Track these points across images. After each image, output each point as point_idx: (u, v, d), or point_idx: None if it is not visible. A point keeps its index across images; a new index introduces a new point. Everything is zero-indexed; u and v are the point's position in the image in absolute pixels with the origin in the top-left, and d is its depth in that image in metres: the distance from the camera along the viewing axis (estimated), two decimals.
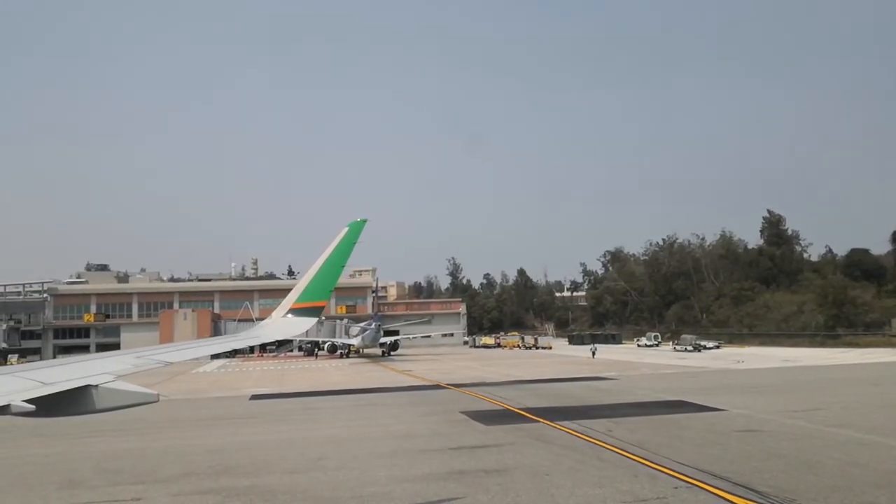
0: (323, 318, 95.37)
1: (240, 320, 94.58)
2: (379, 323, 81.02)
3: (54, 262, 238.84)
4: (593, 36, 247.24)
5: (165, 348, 8.47)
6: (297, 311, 9.96)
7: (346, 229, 10.40)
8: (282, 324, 9.86)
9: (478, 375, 46.88)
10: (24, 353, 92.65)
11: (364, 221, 10.50)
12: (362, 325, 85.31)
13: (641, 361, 58.31)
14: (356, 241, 10.39)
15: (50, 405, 5.29)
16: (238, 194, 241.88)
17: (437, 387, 38.62)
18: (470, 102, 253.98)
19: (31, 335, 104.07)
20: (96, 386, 5.57)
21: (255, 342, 10.03)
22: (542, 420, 23.63)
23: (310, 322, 9.96)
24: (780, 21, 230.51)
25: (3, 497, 15.23)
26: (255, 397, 36.44)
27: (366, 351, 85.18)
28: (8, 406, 4.76)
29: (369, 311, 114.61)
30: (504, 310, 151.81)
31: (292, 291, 10.14)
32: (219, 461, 18.41)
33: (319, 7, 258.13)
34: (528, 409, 26.63)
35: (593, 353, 65.46)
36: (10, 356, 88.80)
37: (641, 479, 14.78)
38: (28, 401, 4.93)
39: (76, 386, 5.53)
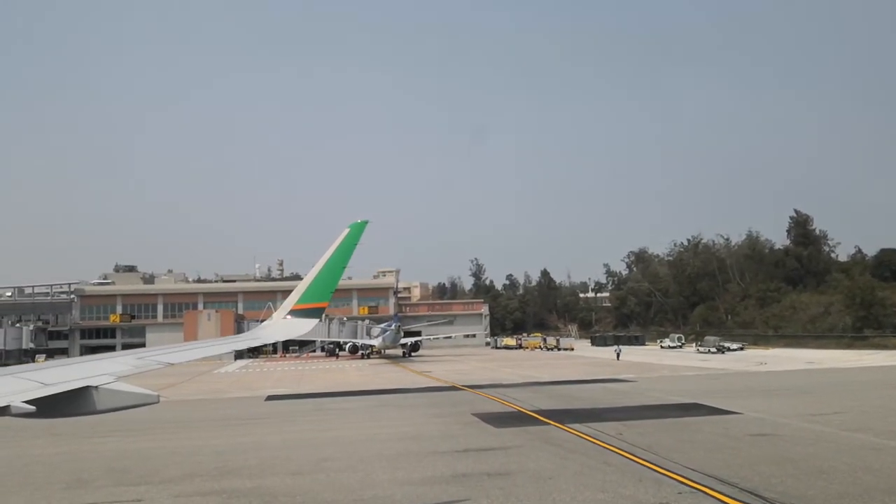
0: (344, 318, 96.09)
1: (262, 320, 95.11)
2: (398, 324, 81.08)
3: (84, 263, 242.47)
4: (613, 33, 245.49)
5: (166, 349, 8.46)
6: (298, 313, 9.93)
7: (348, 230, 10.33)
8: (283, 325, 9.84)
9: (495, 377, 46.70)
10: (52, 353, 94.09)
11: (365, 223, 10.43)
12: (382, 325, 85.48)
13: (662, 363, 57.67)
14: (357, 242, 10.32)
15: (50, 406, 5.27)
16: (267, 196, 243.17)
17: (453, 388, 38.51)
18: (487, 101, 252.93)
19: (59, 335, 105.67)
20: (96, 387, 5.56)
21: (256, 343, 10.02)
22: (552, 422, 23.41)
23: (311, 323, 9.90)
24: (803, 17, 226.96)
25: (11, 496, 15.39)
26: (270, 398, 36.61)
27: (387, 352, 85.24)
28: (8, 407, 4.74)
29: (391, 311, 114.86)
30: (527, 311, 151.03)
31: (293, 293, 10.11)
32: (225, 462, 18.47)
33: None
34: (539, 412, 26.42)
35: (618, 355, 64.28)
36: (37, 356, 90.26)
37: (646, 483, 14.54)
38: (28, 402, 4.92)
39: (76, 387, 5.52)
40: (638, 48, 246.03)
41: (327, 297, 10.16)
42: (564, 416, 24.67)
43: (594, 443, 19.51)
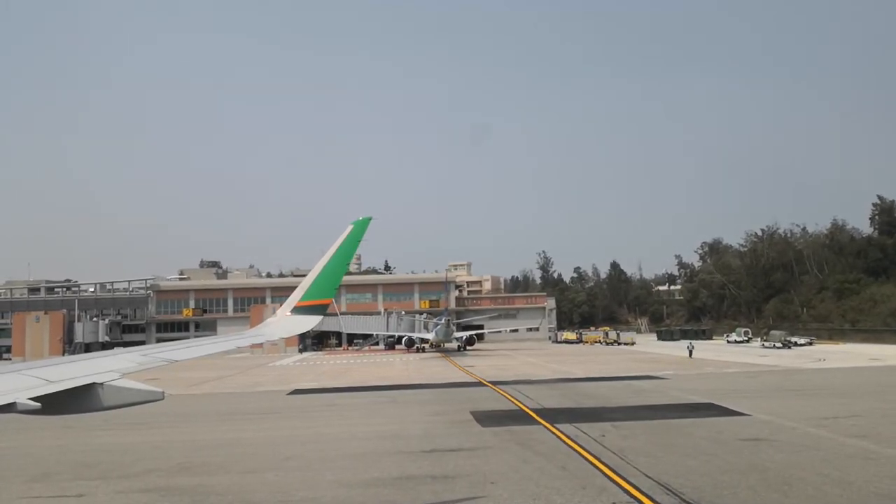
0: (403, 312, 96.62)
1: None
2: (448, 318, 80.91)
3: (176, 259, 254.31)
4: (694, 17, 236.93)
5: (172, 346, 8.42)
6: (302, 310, 9.78)
7: (351, 227, 10.14)
8: (286, 322, 9.73)
9: (530, 372, 45.91)
10: (128, 346, 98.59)
11: (369, 219, 10.20)
12: (436, 320, 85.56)
13: (715, 359, 55.08)
14: (360, 238, 10.13)
15: (55, 403, 5.30)
16: (342, 189, 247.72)
17: (479, 384, 37.95)
18: (544, 86, 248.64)
19: (136, 329, 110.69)
20: (102, 384, 5.56)
21: (260, 340, 9.82)
22: (543, 422, 22.69)
23: (314, 320, 9.71)
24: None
25: None
26: (295, 392, 37.08)
27: (446, 345, 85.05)
28: (13, 404, 4.76)
29: (452, 305, 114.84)
30: (595, 304, 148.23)
31: (297, 289, 9.98)
32: (192, 458, 18.69)
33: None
34: (540, 410, 25.69)
35: (690, 352, 58.03)
36: (115, 348, 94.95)
37: (587, 491, 13.80)
38: (34, 398, 4.94)
39: (81, 384, 5.54)
40: (700, 30, 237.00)
41: (331, 294, 10.00)
42: (560, 416, 23.88)
43: (569, 445, 18.74)
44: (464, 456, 17.71)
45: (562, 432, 20.61)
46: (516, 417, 24.51)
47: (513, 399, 29.55)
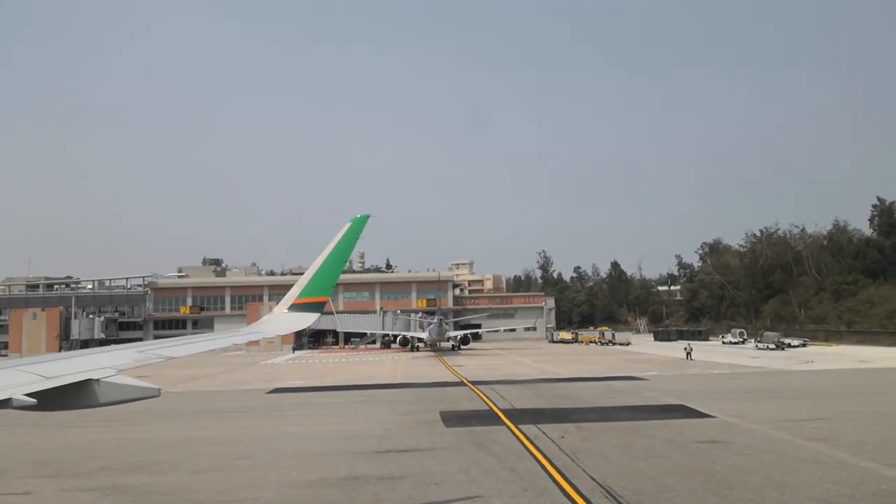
0: (398, 311, 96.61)
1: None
2: (441, 317, 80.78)
3: (179, 257, 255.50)
4: (696, 16, 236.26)
5: (168, 343, 8.43)
6: (299, 307, 9.78)
7: (349, 225, 10.16)
8: (284, 319, 9.75)
9: (517, 372, 45.89)
10: (125, 343, 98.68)
11: (367, 217, 10.23)
12: (429, 319, 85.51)
13: (705, 360, 54.77)
14: (358, 236, 10.16)
15: (51, 399, 5.31)
16: (344, 188, 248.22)
17: (459, 384, 37.87)
18: (574, 94, 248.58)
19: (134, 326, 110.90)
20: (98, 380, 5.58)
21: (256, 337, 9.84)
22: (508, 423, 22.70)
23: (312, 317, 9.71)
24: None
25: None
26: (275, 391, 37.07)
27: (441, 344, 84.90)
28: (9, 400, 4.78)
29: (450, 304, 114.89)
30: (595, 304, 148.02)
31: (294, 287, 9.99)
32: (150, 457, 18.70)
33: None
34: (510, 411, 25.66)
35: (688, 354, 56.64)
36: (112, 346, 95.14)
37: (527, 493, 13.81)
38: (29, 394, 4.95)
39: (77, 380, 5.55)
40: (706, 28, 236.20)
41: (328, 291, 9.98)
42: (527, 416, 23.90)
43: (525, 446, 18.72)
44: (417, 457, 17.68)
45: (523, 433, 20.60)
46: (484, 418, 24.46)
47: (487, 399, 29.50)
